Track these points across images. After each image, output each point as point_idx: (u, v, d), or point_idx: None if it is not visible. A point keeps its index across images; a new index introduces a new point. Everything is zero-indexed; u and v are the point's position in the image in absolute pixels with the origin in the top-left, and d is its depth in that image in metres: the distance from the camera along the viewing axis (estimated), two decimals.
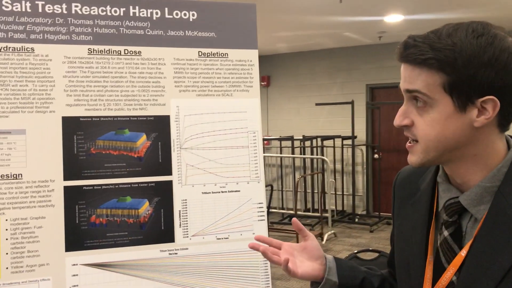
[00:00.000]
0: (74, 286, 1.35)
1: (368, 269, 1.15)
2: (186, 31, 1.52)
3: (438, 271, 0.91)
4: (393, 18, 5.76)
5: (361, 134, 7.52)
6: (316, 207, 7.56)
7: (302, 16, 5.59)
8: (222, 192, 1.49)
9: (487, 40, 0.82)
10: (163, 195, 1.44)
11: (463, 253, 0.87)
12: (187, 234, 1.45)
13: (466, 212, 0.90)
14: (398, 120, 0.90)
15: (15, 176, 1.34)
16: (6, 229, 1.32)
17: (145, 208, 1.43)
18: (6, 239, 1.31)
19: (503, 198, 0.85)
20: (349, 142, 7.31)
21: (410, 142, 0.91)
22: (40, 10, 1.39)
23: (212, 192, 1.49)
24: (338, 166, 7.65)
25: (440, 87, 0.84)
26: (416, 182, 1.04)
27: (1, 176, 1.33)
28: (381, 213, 7.30)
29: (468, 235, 0.89)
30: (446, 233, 0.91)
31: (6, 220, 1.32)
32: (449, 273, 0.89)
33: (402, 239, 1.04)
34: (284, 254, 1.07)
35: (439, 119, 0.85)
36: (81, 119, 1.40)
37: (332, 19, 5.77)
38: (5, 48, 1.36)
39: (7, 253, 1.31)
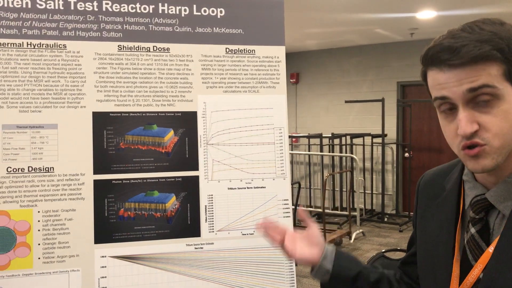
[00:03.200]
0: (103, 277, 1.38)
1: (372, 266, 1.15)
2: (214, 28, 1.53)
3: (466, 269, 0.90)
4: (426, 14, 5.65)
5: (392, 132, 7.40)
6: (344, 205, 7.49)
7: (332, 13, 5.54)
8: (248, 188, 1.50)
9: None
10: (189, 190, 1.46)
11: (491, 249, 0.87)
12: (213, 229, 1.47)
13: (493, 209, 0.89)
14: (468, 128, 0.81)
15: (47, 169, 1.38)
16: (38, 221, 1.36)
17: (172, 202, 1.45)
18: (38, 230, 1.36)
19: None
20: (379, 140, 7.21)
21: (471, 148, 0.83)
22: (72, 7, 1.43)
23: (238, 188, 1.49)
24: (368, 165, 7.56)
25: (503, 77, 0.81)
26: (441, 183, 1.04)
27: (33, 169, 1.37)
28: (411, 213, 7.19)
29: (496, 231, 0.88)
30: (473, 230, 0.91)
31: (38, 212, 1.36)
32: (477, 270, 0.88)
33: (427, 240, 1.03)
34: (286, 238, 1.11)
35: (511, 108, 0.82)
36: (110, 114, 1.43)
37: (363, 16, 5.70)
38: (38, 45, 1.40)
39: (39, 244, 1.35)
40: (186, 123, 1.48)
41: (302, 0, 4.85)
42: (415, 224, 1.11)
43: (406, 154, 7.50)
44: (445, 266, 0.95)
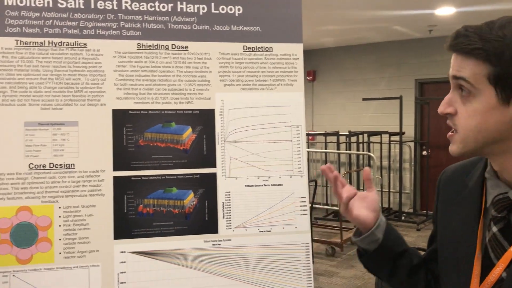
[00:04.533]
0: (122, 272, 1.40)
1: (416, 251, 1.16)
2: (232, 26, 1.53)
3: (487, 267, 0.90)
4: (445, 11, 5.58)
5: (409, 130, 7.33)
6: None
7: (349, 10, 5.51)
8: (265, 185, 1.51)
9: None
10: (207, 187, 1.47)
11: None
12: (230, 225, 1.48)
13: None
14: (442, 108, 0.91)
15: (68, 166, 1.40)
16: (59, 216, 1.38)
17: (190, 199, 1.46)
18: (59, 225, 1.38)
19: None
20: (396, 138, 7.15)
21: (452, 132, 0.92)
22: (92, 6, 1.45)
23: (255, 185, 1.50)
24: (385, 163, 7.51)
25: (485, 78, 0.84)
26: (462, 180, 1.03)
27: (55, 166, 1.39)
28: (428, 211, 7.12)
29: None
30: (495, 229, 0.90)
31: (59, 207, 1.38)
32: (498, 269, 0.87)
33: (448, 237, 1.03)
34: (345, 191, 1.11)
35: (481, 110, 0.85)
36: (130, 112, 1.45)
37: (381, 13, 5.65)
38: (60, 44, 1.42)
39: (60, 239, 1.38)
40: (204, 120, 1.49)
41: None
42: (436, 220, 1.10)
43: (424, 152, 7.43)
44: (466, 264, 0.94)
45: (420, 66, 7.36)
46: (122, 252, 1.41)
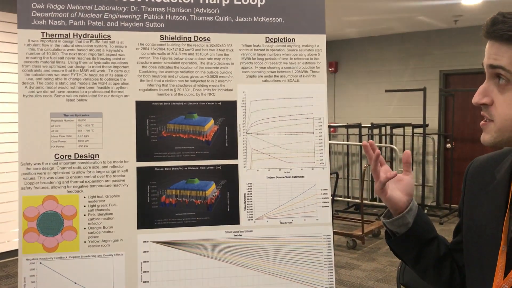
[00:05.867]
0: (145, 261, 1.42)
1: (445, 240, 1.14)
2: (254, 17, 1.53)
3: (511, 262, 0.88)
4: (471, 1, 5.45)
5: (433, 122, 7.22)
6: None
7: (373, 1, 5.43)
8: (287, 177, 1.51)
9: None
10: (229, 178, 1.48)
11: None
12: (252, 217, 1.48)
13: None
14: (477, 98, 0.88)
15: (92, 156, 1.43)
16: (84, 206, 1.41)
17: (212, 190, 1.47)
18: (84, 215, 1.41)
19: None
20: (420, 130, 7.05)
21: (485, 120, 0.90)
22: None
23: (277, 177, 1.50)
24: None
25: None
26: (491, 172, 1.01)
27: (80, 156, 1.42)
28: (452, 205, 7.01)
29: None
30: None
31: (84, 197, 1.41)
32: None
33: (474, 228, 1.01)
34: (383, 170, 1.10)
35: None
36: (153, 103, 1.46)
37: (405, 3, 5.55)
38: (84, 36, 1.44)
39: (85, 228, 1.41)
40: (226, 112, 1.50)
41: None
42: (462, 211, 1.08)
43: (448, 145, 7.31)
44: (491, 257, 0.93)
45: (445, 57, 7.22)
46: (145, 241, 1.43)
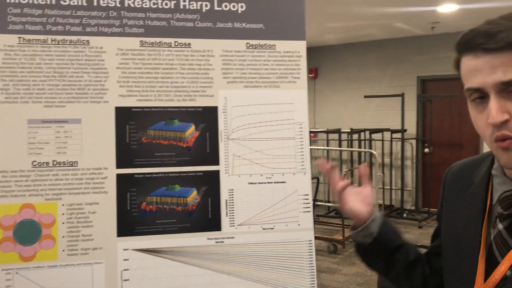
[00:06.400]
0: (125, 270, 1.40)
1: (414, 246, 1.15)
2: (235, 23, 1.53)
3: (491, 266, 0.89)
4: (447, 8, 5.57)
5: (411, 127, 7.33)
6: None
7: (352, 7, 5.49)
8: (268, 183, 1.50)
9: None
10: (210, 184, 1.47)
11: None
12: (233, 223, 1.48)
13: None
14: (498, 117, 0.79)
15: (71, 163, 1.40)
16: (63, 214, 1.38)
17: (193, 196, 1.46)
18: (63, 223, 1.38)
19: None
20: (398, 135, 7.14)
21: (503, 141, 0.81)
22: (95, 3, 1.45)
23: (258, 183, 1.50)
24: (387, 160, 7.50)
25: None
26: (469, 176, 1.02)
27: (58, 163, 1.39)
28: (430, 209, 7.11)
29: None
30: (500, 226, 0.89)
31: (63, 205, 1.38)
32: (503, 267, 0.86)
33: (452, 233, 1.02)
34: (341, 185, 1.11)
35: None
36: (133, 109, 1.45)
37: (383, 10, 5.63)
38: (62, 41, 1.42)
39: (63, 236, 1.38)
40: (207, 118, 1.49)
41: None
42: (440, 216, 1.09)
43: (426, 150, 7.42)
44: (471, 261, 0.93)
45: (422, 63, 7.35)
46: (125, 249, 1.41)
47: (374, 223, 1.09)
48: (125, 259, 1.41)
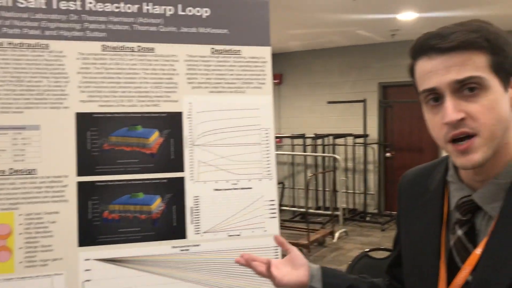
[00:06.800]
0: (87, 281, 1.36)
1: (361, 277, 1.13)
2: (199, 28, 1.52)
3: (453, 272, 0.89)
4: (407, 16, 5.71)
5: (373, 132, 7.47)
6: (327, 205, 7.53)
7: (315, 14, 5.56)
8: (234, 189, 1.49)
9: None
10: (175, 192, 1.45)
11: (478, 251, 0.86)
12: (199, 230, 1.45)
13: (479, 210, 0.88)
14: (454, 115, 0.80)
15: (29, 171, 1.35)
16: (20, 224, 1.33)
17: (157, 204, 1.43)
18: (20, 233, 1.33)
19: None
20: (361, 140, 7.27)
21: (463, 141, 0.82)
22: (54, 6, 1.40)
23: (224, 189, 1.49)
24: (350, 165, 7.61)
25: (488, 68, 0.81)
26: (423, 184, 1.02)
27: (15, 171, 1.34)
28: (393, 212, 7.26)
29: (482, 233, 0.87)
30: (460, 232, 0.90)
31: (20, 215, 1.33)
32: (464, 273, 0.87)
33: (412, 241, 1.02)
34: (271, 267, 1.06)
35: (496, 99, 0.81)
36: (94, 115, 1.41)
37: (345, 17, 5.73)
38: (20, 44, 1.37)
39: (20, 248, 1.32)
40: (171, 123, 1.47)
41: (285, 1, 4.86)
42: (399, 224, 1.10)
43: (388, 154, 7.57)
44: (432, 268, 0.93)
45: (383, 69, 7.51)
46: (86, 259, 1.37)
47: (315, 280, 1.07)
48: (86, 270, 1.36)
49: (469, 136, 0.81)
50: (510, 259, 0.81)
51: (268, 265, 1.02)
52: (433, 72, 0.83)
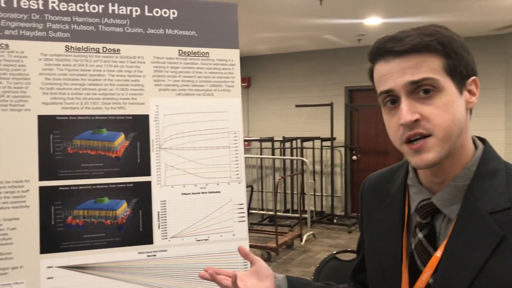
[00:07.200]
0: None
1: (326, 284, 1.13)
2: (167, 30, 1.49)
3: (415, 275, 0.90)
4: (372, 21, 5.82)
5: (340, 135, 7.57)
6: (295, 208, 7.57)
7: (283, 18, 5.60)
8: (202, 193, 1.47)
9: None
10: (141, 196, 1.42)
11: (438, 254, 0.87)
12: (166, 235, 1.43)
13: (439, 213, 0.89)
14: (409, 116, 0.82)
15: None
16: None
17: (123, 209, 1.40)
18: None
19: (474, 196, 0.86)
20: (328, 143, 7.35)
21: (416, 141, 0.83)
22: (15, 5, 1.36)
23: (192, 193, 1.47)
24: (317, 167, 7.69)
25: (442, 70, 0.83)
26: (385, 187, 1.03)
27: None
28: (359, 214, 7.35)
29: (442, 235, 0.89)
30: (420, 235, 0.91)
31: None
32: (426, 275, 0.88)
33: (374, 245, 1.03)
34: (237, 280, 1.03)
35: (451, 101, 0.83)
36: (57, 117, 1.37)
37: (313, 21, 5.79)
38: None
39: None
40: (138, 126, 1.44)
41: (252, 4, 4.87)
42: (362, 229, 1.10)
43: (354, 157, 7.68)
44: (394, 272, 0.94)
45: (350, 74, 7.62)
46: (49, 267, 1.32)
47: None
48: (49, 278, 1.32)
49: (424, 137, 0.83)
50: (469, 260, 0.83)
51: (234, 278, 1.00)
52: (389, 74, 0.85)
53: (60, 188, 1.35)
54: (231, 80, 1.55)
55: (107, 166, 1.40)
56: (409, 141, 0.84)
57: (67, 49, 1.39)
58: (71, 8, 1.41)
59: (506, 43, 6.49)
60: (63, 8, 1.40)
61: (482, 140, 0.94)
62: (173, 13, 1.50)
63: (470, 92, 0.87)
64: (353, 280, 1.16)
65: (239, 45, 1.57)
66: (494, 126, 6.55)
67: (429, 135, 0.83)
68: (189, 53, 1.51)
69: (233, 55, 1.56)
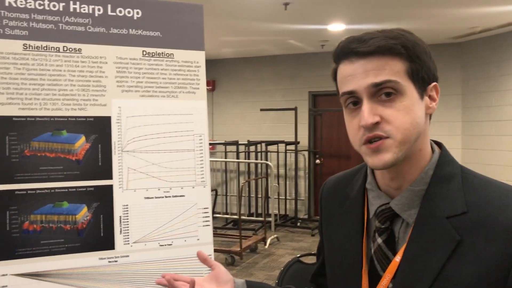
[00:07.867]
0: None
1: None
2: (130, 30, 1.46)
3: (374, 280, 0.90)
4: (336, 27, 5.91)
5: (304, 140, 7.64)
6: (259, 211, 7.58)
7: (248, 22, 5.61)
8: (166, 197, 1.45)
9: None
10: (102, 200, 1.38)
11: (398, 258, 0.87)
12: (128, 241, 1.39)
13: (398, 218, 0.90)
14: (370, 118, 0.82)
15: None
16: None
17: (83, 214, 1.35)
18: None
19: (431, 201, 0.86)
20: (292, 147, 7.40)
21: (374, 141, 0.84)
22: None
23: (155, 197, 1.43)
24: (282, 171, 7.72)
25: (405, 74, 0.84)
26: (344, 191, 1.03)
27: None
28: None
29: (401, 240, 0.89)
30: (379, 240, 0.91)
31: None
32: (385, 280, 0.88)
33: (334, 250, 1.02)
34: (196, 285, 1.02)
35: (411, 105, 0.84)
36: (14, 118, 1.31)
37: (277, 26, 5.82)
38: None
39: None
40: (99, 128, 1.40)
41: (218, 7, 4.86)
42: (321, 233, 1.10)
43: (317, 161, 7.77)
44: (354, 277, 0.94)
45: (313, 79, 7.71)
46: (3, 275, 1.26)
47: None
48: (3, 286, 1.26)
49: (382, 138, 0.84)
50: (427, 265, 0.83)
51: (192, 284, 0.98)
52: (353, 75, 0.85)
53: (16, 192, 1.30)
54: (196, 82, 1.53)
55: (67, 169, 1.35)
56: (368, 142, 0.85)
57: (25, 47, 1.34)
58: (30, 5, 1.36)
59: (463, 51, 6.73)
60: (21, 4, 1.35)
61: (439, 145, 0.95)
62: (137, 13, 1.47)
63: (430, 97, 0.88)
64: (313, 284, 1.16)
65: (204, 47, 1.55)
66: (452, 131, 6.77)
67: (387, 137, 0.83)
68: (153, 54, 1.48)
69: (198, 57, 1.54)
